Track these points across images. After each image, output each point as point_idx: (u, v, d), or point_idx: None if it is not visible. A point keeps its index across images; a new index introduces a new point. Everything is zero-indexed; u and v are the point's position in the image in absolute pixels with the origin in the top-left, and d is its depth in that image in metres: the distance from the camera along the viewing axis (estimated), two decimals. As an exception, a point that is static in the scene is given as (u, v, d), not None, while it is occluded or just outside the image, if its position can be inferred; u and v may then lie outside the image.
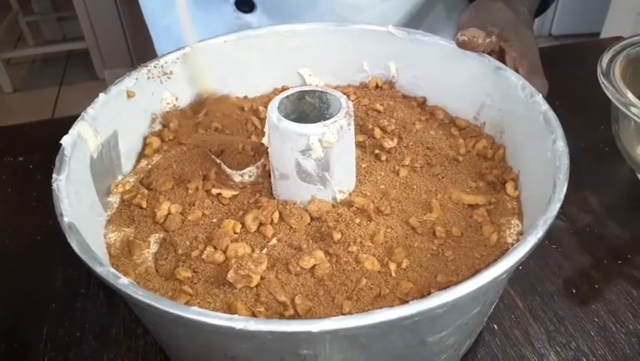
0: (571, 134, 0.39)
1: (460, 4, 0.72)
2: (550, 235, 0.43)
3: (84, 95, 0.44)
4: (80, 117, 0.42)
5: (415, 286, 0.35)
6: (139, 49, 2.23)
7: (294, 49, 0.54)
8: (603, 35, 1.83)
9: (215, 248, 0.37)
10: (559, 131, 0.38)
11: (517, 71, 0.46)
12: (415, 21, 0.69)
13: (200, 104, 0.52)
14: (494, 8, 0.51)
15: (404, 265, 0.36)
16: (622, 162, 0.56)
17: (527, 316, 0.45)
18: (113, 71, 2.21)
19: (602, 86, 0.50)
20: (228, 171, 0.44)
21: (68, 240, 0.32)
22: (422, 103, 0.52)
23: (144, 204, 0.42)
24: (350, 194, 0.41)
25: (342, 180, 0.40)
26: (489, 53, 0.48)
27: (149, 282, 0.37)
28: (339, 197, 0.41)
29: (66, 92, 2.35)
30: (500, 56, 0.49)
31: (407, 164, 0.44)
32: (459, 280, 0.35)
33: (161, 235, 0.40)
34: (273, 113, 0.38)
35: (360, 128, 0.48)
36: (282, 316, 0.34)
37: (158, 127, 0.50)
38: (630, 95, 0.49)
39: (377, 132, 0.46)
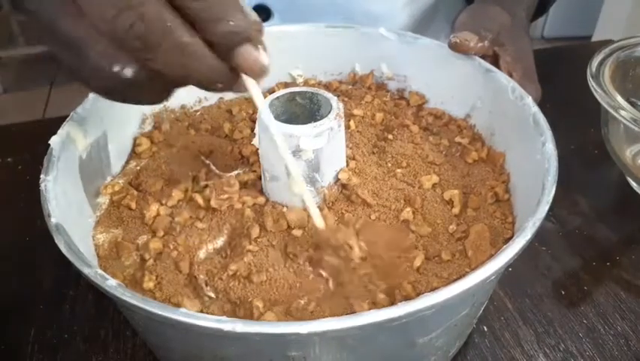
0: (560, 136, 0.39)
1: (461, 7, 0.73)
2: (539, 236, 0.43)
3: (75, 96, 0.43)
4: (69, 117, 0.41)
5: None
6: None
7: (285, 50, 0.54)
8: (595, 38, 1.85)
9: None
10: (548, 133, 0.39)
11: (511, 76, 0.46)
12: (421, 28, 0.70)
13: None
14: (490, 12, 0.51)
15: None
16: (611, 164, 0.56)
17: (517, 318, 0.45)
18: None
19: (592, 89, 0.51)
20: (217, 172, 0.44)
21: (56, 241, 0.32)
22: (413, 104, 0.52)
23: (133, 206, 0.41)
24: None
25: (333, 181, 0.40)
26: (483, 57, 0.48)
27: (137, 284, 0.36)
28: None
29: (57, 93, 2.34)
30: (494, 60, 0.49)
31: (396, 165, 0.44)
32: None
33: (149, 237, 0.40)
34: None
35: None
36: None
37: (148, 128, 0.50)
38: (619, 99, 0.49)
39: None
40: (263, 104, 0.34)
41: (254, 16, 0.30)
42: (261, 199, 0.41)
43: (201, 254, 0.37)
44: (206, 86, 0.30)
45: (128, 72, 0.28)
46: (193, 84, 0.30)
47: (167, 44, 0.27)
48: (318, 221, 0.36)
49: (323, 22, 0.54)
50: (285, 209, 0.39)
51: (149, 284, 0.36)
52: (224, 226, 0.39)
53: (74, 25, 0.27)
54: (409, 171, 0.44)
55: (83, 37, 0.27)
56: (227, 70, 0.29)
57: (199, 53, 0.28)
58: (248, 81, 0.31)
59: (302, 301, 0.34)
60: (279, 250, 0.37)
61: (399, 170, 0.44)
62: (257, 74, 0.31)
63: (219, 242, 0.38)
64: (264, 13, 0.66)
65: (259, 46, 0.30)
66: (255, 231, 0.38)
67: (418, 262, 0.36)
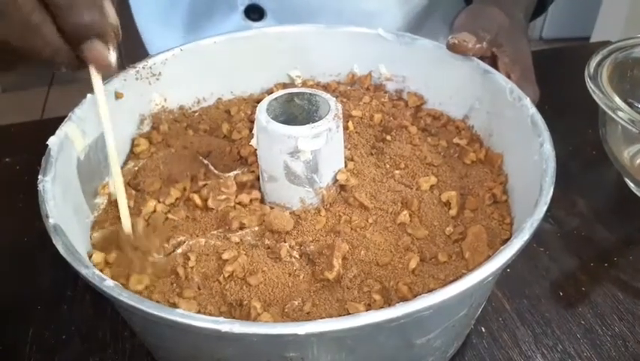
0: (558, 137, 0.39)
1: (459, 8, 0.73)
2: (537, 237, 0.43)
3: (74, 96, 0.43)
4: (67, 118, 0.41)
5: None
6: (129, 50, 2.22)
7: (283, 51, 0.54)
8: (593, 39, 1.85)
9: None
10: (546, 134, 0.39)
11: (509, 77, 0.46)
12: (415, 27, 0.70)
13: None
14: (489, 13, 0.51)
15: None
16: (609, 165, 0.57)
17: (514, 318, 0.45)
18: (103, 73, 2.19)
19: (590, 90, 0.51)
20: (216, 172, 0.44)
21: (53, 241, 0.32)
22: (412, 105, 0.52)
23: (131, 204, 0.41)
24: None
25: (331, 182, 0.40)
26: (481, 59, 0.48)
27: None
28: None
29: (55, 93, 2.34)
30: (493, 61, 0.49)
31: (394, 166, 0.44)
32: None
33: None
34: (261, 115, 0.38)
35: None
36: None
37: (146, 128, 0.50)
38: (617, 99, 0.49)
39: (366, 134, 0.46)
40: (102, 98, 0.36)
41: (113, 18, 0.32)
42: (256, 193, 0.41)
43: (192, 256, 0.37)
44: (49, 65, 0.32)
45: None
46: (37, 60, 0.32)
47: (14, 17, 0.29)
48: (126, 224, 0.37)
49: (316, 21, 0.54)
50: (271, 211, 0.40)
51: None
52: (214, 225, 0.39)
53: None
54: (407, 172, 0.44)
55: None
56: (72, 56, 0.32)
57: (45, 33, 0.30)
58: (93, 73, 0.34)
59: (296, 302, 0.34)
60: (264, 249, 0.38)
61: (397, 171, 0.44)
62: (101, 68, 0.33)
63: (212, 241, 0.38)
64: (257, 12, 0.66)
65: (109, 45, 0.32)
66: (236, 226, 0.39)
67: (413, 264, 0.36)
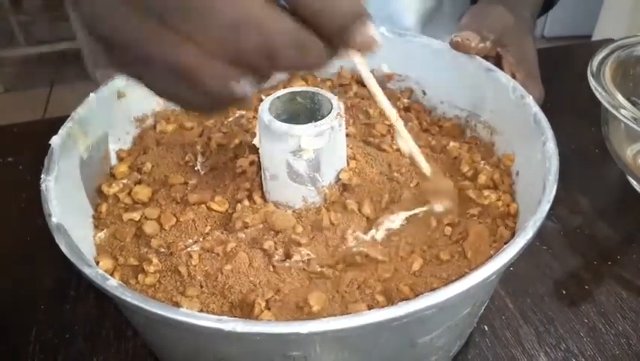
0: (561, 135, 0.39)
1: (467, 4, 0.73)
2: (540, 236, 0.43)
3: (76, 96, 0.43)
4: (70, 118, 0.41)
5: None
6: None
7: (285, 50, 0.54)
8: (595, 37, 1.84)
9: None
10: (549, 132, 0.39)
11: (514, 77, 0.46)
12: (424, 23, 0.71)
13: None
14: (494, 13, 0.51)
15: None
16: (612, 163, 0.56)
17: (517, 317, 0.45)
18: (106, 72, 2.20)
19: (592, 88, 0.50)
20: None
21: (57, 241, 0.32)
22: (416, 105, 0.52)
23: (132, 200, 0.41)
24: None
25: (333, 181, 0.40)
26: (485, 58, 0.48)
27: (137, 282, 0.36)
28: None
29: (58, 93, 2.34)
30: (498, 61, 0.49)
31: (397, 166, 0.44)
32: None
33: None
34: (263, 113, 0.38)
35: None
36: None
37: (147, 127, 0.50)
38: (620, 98, 0.49)
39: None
40: (369, 75, 0.35)
41: None
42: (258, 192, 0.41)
43: (194, 255, 0.37)
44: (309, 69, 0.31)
45: (247, 87, 0.27)
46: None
47: (286, 48, 0.26)
48: (425, 167, 0.40)
49: None
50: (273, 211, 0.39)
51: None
52: (217, 223, 0.39)
53: (181, 55, 0.26)
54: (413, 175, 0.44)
55: (194, 64, 0.26)
56: (330, 53, 0.28)
57: (313, 45, 0.27)
58: (357, 60, 0.32)
59: (295, 301, 0.34)
60: (260, 250, 0.38)
61: (396, 174, 0.44)
62: (369, 49, 0.29)
63: (214, 240, 0.38)
64: None
65: (369, 21, 0.29)
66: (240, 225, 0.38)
67: (416, 266, 0.36)
